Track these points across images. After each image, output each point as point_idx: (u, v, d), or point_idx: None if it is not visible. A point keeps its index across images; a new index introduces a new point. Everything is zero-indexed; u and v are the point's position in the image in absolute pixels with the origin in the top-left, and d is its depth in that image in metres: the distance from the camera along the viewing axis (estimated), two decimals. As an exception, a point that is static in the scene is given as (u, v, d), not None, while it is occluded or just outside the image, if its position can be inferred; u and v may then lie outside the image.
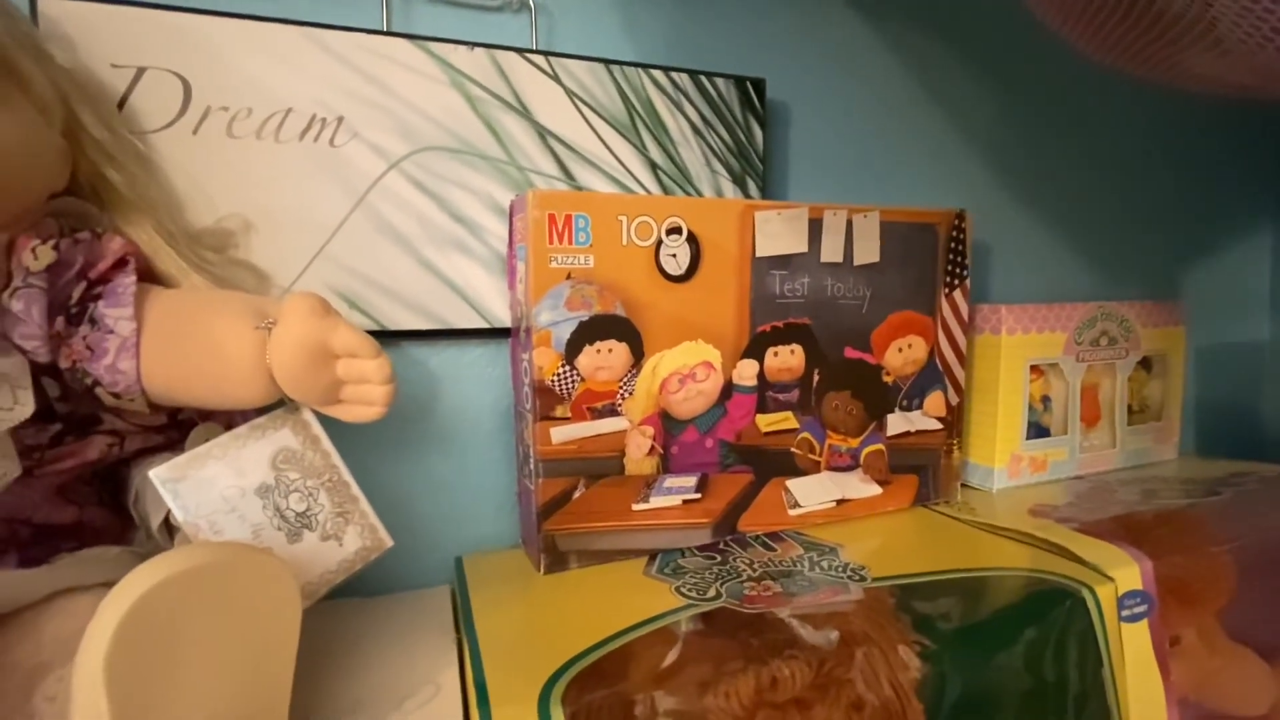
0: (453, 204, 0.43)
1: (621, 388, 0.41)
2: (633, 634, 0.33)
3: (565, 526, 0.40)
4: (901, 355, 0.49)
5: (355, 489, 0.31)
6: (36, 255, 0.27)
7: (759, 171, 0.51)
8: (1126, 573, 0.39)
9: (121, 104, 0.35)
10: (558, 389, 0.39)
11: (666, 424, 0.42)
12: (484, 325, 0.44)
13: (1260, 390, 0.81)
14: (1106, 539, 0.42)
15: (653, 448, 0.42)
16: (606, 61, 0.46)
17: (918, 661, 0.33)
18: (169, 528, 0.30)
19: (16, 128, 0.27)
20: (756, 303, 0.43)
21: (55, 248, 0.27)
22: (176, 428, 0.33)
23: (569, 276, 0.39)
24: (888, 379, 0.49)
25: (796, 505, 0.46)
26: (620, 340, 0.40)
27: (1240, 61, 0.27)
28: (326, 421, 0.31)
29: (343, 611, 0.38)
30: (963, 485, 0.55)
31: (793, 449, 0.46)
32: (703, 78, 0.49)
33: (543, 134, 0.45)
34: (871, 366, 0.48)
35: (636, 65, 0.47)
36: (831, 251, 0.45)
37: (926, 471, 0.51)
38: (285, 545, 0.29)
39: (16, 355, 0.26)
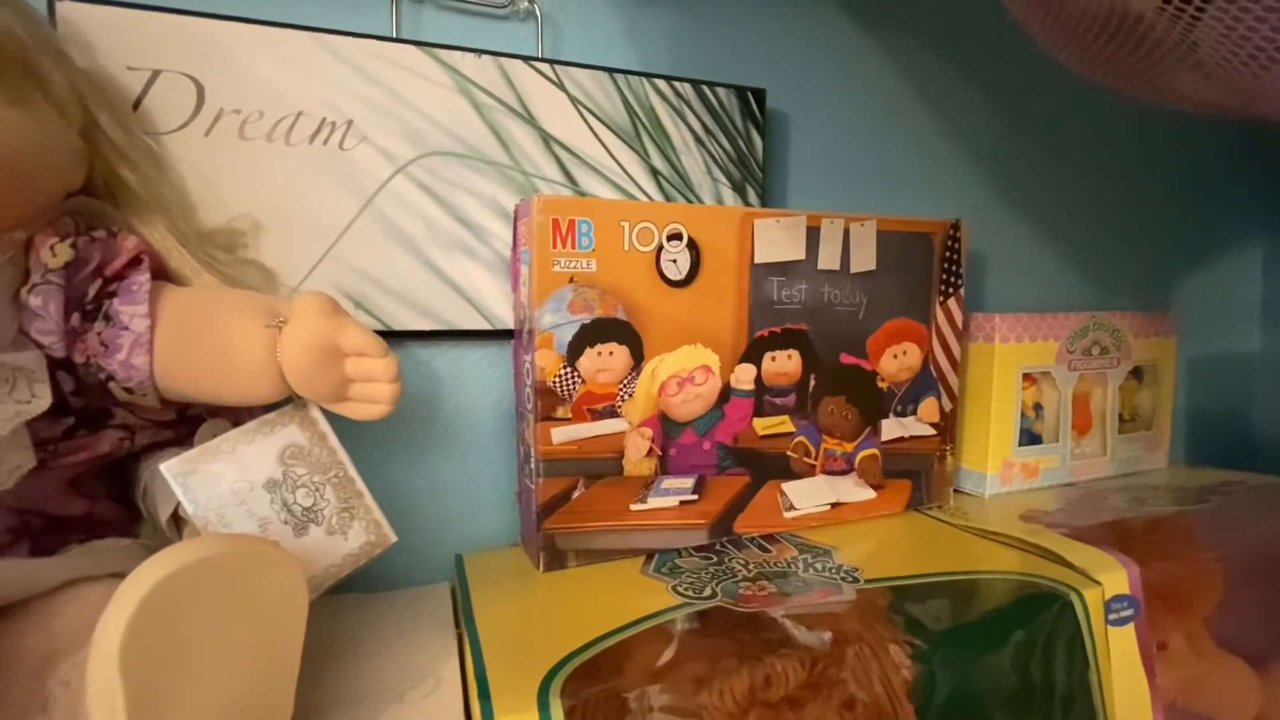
0: (458, 207, 0.44)
1: (621, 390, 0.41)
2: (630, 631, 0.33)
3: (565, 525, 0.41)
4: (896, 362, 0.50)
5: (360, 485, 0.32)
6: (55, 253, 0.27)
7: (759, 180, 0.52)
8: (1114, 577, 0.40)
9: (136, 105, 0.36)
10: (559, 390, 0.40)
11: (665, 426, 0.43)
12: (487, 327, 0.45)
13: (1250, 400, 0.82)
14: (1095, 544, 0.43)
15: (651, 449, 0.42)
16: (611, 70, 0.47)
17: (909, 662, 0.33)
18: (177, 521, 0.31)
19: (38, 129, 0.28)
20: (755, 308, 0.44)
21: (73, 245, 0.28)
22: (185, 423, 0.34)
23: (571, 280, 0.39)
24: (883, 385, 0.49)
25: (792, 508, 0.47)
26: (621, 343, 0.41)
27: (1221, 83, 0.28)
28: (333, 419, 0.32)
29: (345, 606, 0.39)
30: (955, 490, 0.56)
31: (789, 452, 0.47)
32: (704, 87, 0.50)
33: (547, 140, 0.46)
34: (867, 372, 0.49)
35: (640, 74, 0.48)
36: (829, 259, 0.46)
37: (920, 476, 0.52)
38: (291, 539, 0.30)
39: (34, 350, 0.27)
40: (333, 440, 0.32)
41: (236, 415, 0.34)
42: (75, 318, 0.28)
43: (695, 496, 0.44)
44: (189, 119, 0.37)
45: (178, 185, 0.36)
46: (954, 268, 0.51)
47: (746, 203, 0.52)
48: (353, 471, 0.32)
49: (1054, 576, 0.40)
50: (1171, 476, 0.62)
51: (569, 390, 0.40)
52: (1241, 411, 0.82)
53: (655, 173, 0.49)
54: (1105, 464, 0.61)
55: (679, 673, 0.30)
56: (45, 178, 0.28)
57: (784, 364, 0.46)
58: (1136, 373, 0.63)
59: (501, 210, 0.45)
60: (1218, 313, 0.80)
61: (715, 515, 0.45)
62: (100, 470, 0.33)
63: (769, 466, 0.46)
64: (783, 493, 0.47)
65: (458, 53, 0.43)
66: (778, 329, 0.45)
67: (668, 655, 0.31)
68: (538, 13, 0.46)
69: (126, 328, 0.28)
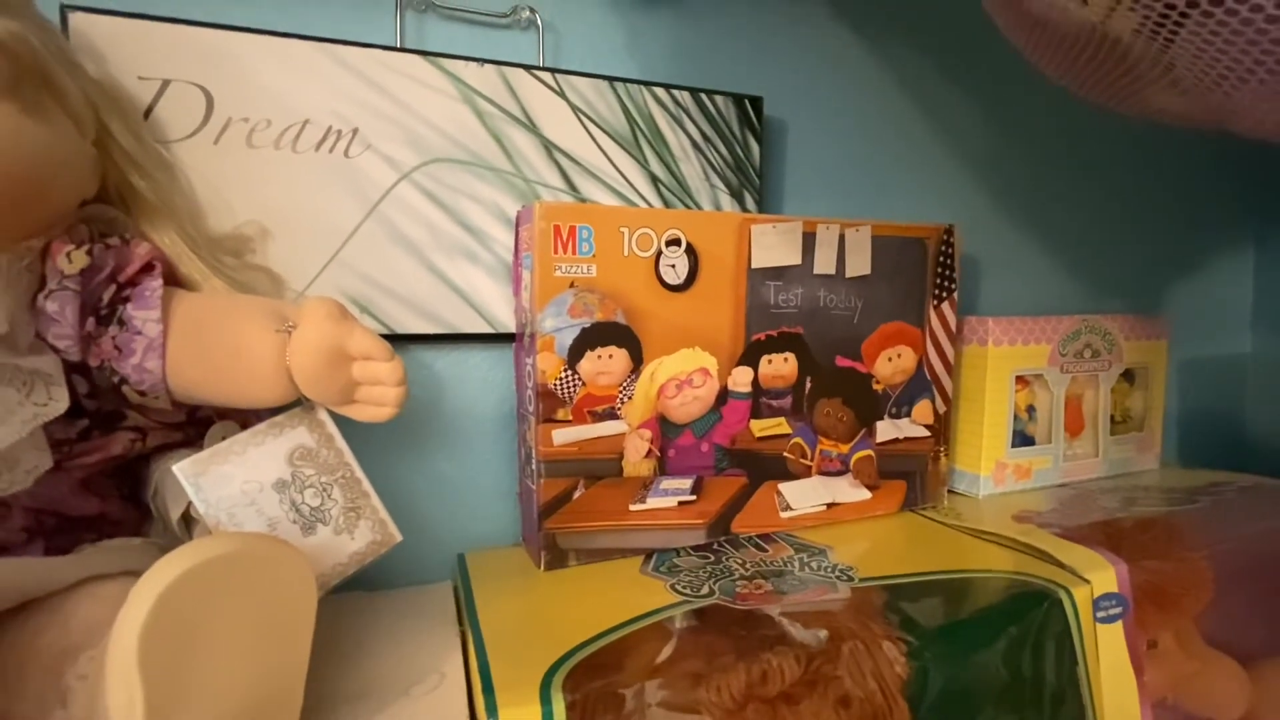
0: (461, 213, 0.45)
1: (621, 392, 0.42)
2: (629, 628, 0.34)
3: (565, 525, 0.42)
4: (891, 364, 0.51)
5: (367, 485, 0.33)
6: (71, 259, 0.28)
7: (755, 186, 0.53)
8: (1102, 576, 0.41)
9: (147, 114, 0.37)
10: (560, 393, 0.41)
11: (664, 428, 0.44)
12: (488, 330, 0.46)
13: (1241, 402, 0.83)
14: (1085, 544, 0.44)
15: (650, 450, 0.43)
16: (610, 79, 0.48)
17: (903, 659, 0.34)
18: (187, 521, 0.32)
19: (55, 138, 0.28)
20: (752, 312, 0.45)
21: (88, 252, 0.29)
22: (194, 425, 0.35)
23: (572, 285, 0.40)
24: (877, 387, 0.50)
25: (788, 508, 0.48)
26: (620, 347, 0.42)
27: (1197, 100, 0.29)
28: (339, 420, 0.32)
29: (350, 604, 0.40)
30: (949, 491, 0.57)
31: (785, 454, 0.48)
32: (702, 95, 0.51)
33: (548, 147, 0.47)
34: (862, 375, 0.50)
35: (639, 82, 0.49)
36: (824, 264, 0.47)
37: (914, 477, 0.53)
38: (300, 538, 0.31)
39: (51, 354, 0.28)
40: (340, 442, 0.32)
41: (244, 417, 0.35)
42: (90, 322, 0.29)
43: (693, 497, 0.45)
44: (198, 127, 0.38)
45: (188, 192, 0.37)
46: (948, 272, 0.52)
47: (744, 208, 0.53)
48: (359, 472, 0.33)
49: (1044, 575, 0.41)
50: (1163, 478, 0.63)
51: (570, 393, 0.41)
52: (1233, 413, 0.83)
53: (654, 179, 0.50)
54: (1097, 465, 0.62)
55: (677, 669, 0.31)
56: (62, 186, 0.29)
57: (780, 367, 0.46)
58: (1128, 375, 0.64)
59: (503, 216, 0.46)
60: (1209, 316, 0.81)
61: (713, 515, 0.45)
62: (111, 471, 0.33)
63: (766, 467, 0.47)
64: (779, 493, 0.48)
65: (461, 62, 0.44)
66: (774, 332, 0.46)
67: (666, 652, 0.32)
68: (539, 22, 0.47)
69: (140, 332, 0.29)
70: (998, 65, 0.64)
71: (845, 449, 0.50)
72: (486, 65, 0.44)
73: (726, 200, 0.52)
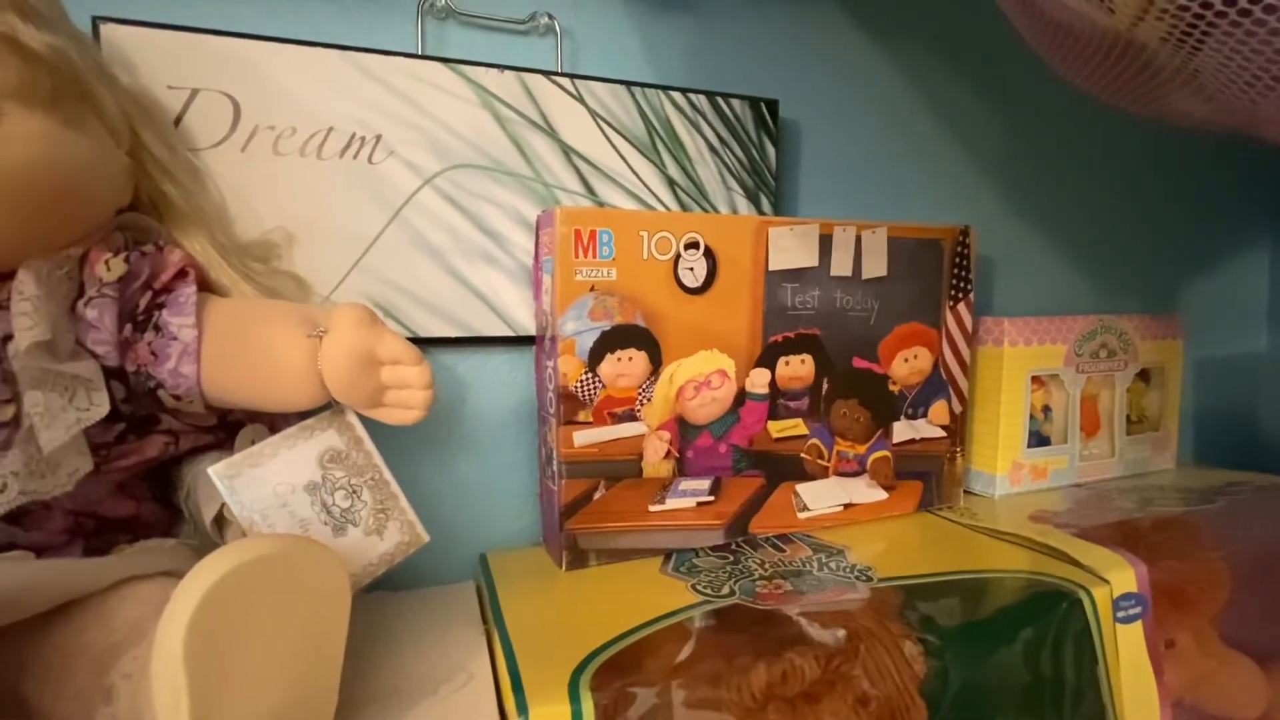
0: (482, 218, 0.45)
1: (640, 394, 0.43)
2: (651, 628, 0.35)
3: (586, 526, 0.42)
4: (907, 365, 0.51)
5: (395, 487, 0.33)
6: (110, 267, 0.29)
7: (772, 188, 0.53)
8: (1121, 576, 0.41)
9: (177, 123, 0.38)
10: (580, 395, 0.41)
11: (682, 429, 0.44)
12: (509, 333, 0.46)
13: (1256, 402, 0.83)
14: (1103, 544, 0.44)
15: (669, 452, 0.44)
16: (628, 83, 0.48)
17: (921, 658, 0.35)
18: (219, 522, 0.32)
19: (93, 149, 0.29)
20: (769, 314, 0.45)
21: (126, 260, 0.29)
22: (225, 428, 0.35)
23: (592, 289, 0.41)
24: (894, 388, 0.50)
25: (805, 509, 0.48)
26: (640, 349, 0.42)
27: (1221, 107, 0.29)
28: (367, 423, 0.33)
29: (375, 604, 0.40)
30: (966, 491, 0.57)
31: (802, 454, 0.48)
32: (719, 98, 0.51)
33: (567, 152, 0.47)
34: (878, 376, 0.50)
35: (656, 87, 0.49)
36: (841, 266, 0.47)
37: (931, 477, 0.53)
38: (331, 539, 0.31)
39: (90, 360, 0.28)
40: (369, 444, 0.33)
41: (274, 420, 0.35)
42: (127, 329, 0.29)
43: (712, 498, 0.45)
44: (226, 135, 0.39)
45: (217, 199, 0.37)
46: (963, 273, 0.52)
47: (760, 211, 0.53)
48: (388, 474, 0.33)
49: (1063, 575, 0.41)
50: (1179, 477, 0.63)
51: (590, 395, 0.41)
52: (1248, 413, 0.83)
53: (671, 183, 0.50)
54: (1113, 465, 0.62)
55: (700, 668, 0.31)
56: (101, 196, 0.30)
57: (797, 368, 0.47)
58: (1144, 375, 0.64)
59: (523, 220, 0.46)
60: (1224, 315, 0.81)
61: (731, 516, 0.46)
62: (145, 473, 0.34)
63: (783, 468, 0.47)
64: (797, 494, 0.48)
65: (481, 68, 0.44)
66: (791, 334, 0.46)
67: (687, 651, 0.33)
68: (557, 28, 0.47)
69: (175, 338, 0.30)
70: (1011, 68, 0.64)
71: (862, 450, 0.50)
72: (506, 71, 0.45)
73: (743, 203, 0.52)
